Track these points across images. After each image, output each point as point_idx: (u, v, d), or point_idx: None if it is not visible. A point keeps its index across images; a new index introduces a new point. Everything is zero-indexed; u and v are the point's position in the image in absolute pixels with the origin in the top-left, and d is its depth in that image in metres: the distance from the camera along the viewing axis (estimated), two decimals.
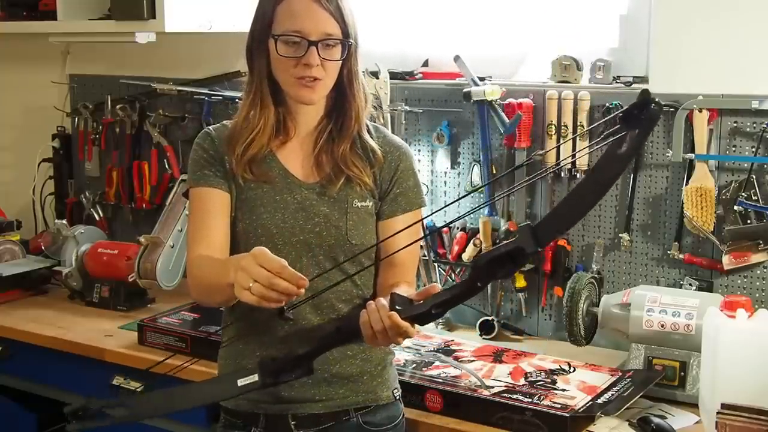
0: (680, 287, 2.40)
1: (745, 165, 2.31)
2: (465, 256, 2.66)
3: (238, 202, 1.92)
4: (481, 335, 2.60)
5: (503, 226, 2.61)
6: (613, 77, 2.49)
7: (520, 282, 2.61)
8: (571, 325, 2.31)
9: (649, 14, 2.45)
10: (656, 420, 2.01)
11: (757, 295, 2.34)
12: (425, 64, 2.81)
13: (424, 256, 2.68)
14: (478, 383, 2.14)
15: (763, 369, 1.90)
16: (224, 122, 2.00)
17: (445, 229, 2.71)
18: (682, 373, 2.15)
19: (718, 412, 1.82)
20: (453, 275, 2.73)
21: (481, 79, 2.61)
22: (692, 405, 2.10)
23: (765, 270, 2.34)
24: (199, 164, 1.94)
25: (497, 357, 2.34)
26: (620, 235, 2.48)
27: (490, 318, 2.62)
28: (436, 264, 2.72)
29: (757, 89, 2.28)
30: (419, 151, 2.76)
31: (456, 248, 2.68)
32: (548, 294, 2.62)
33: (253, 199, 1.91)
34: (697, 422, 2.04)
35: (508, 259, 1.55)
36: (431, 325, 2.68)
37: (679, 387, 2.15)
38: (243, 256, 1.68)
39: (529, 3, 2.68)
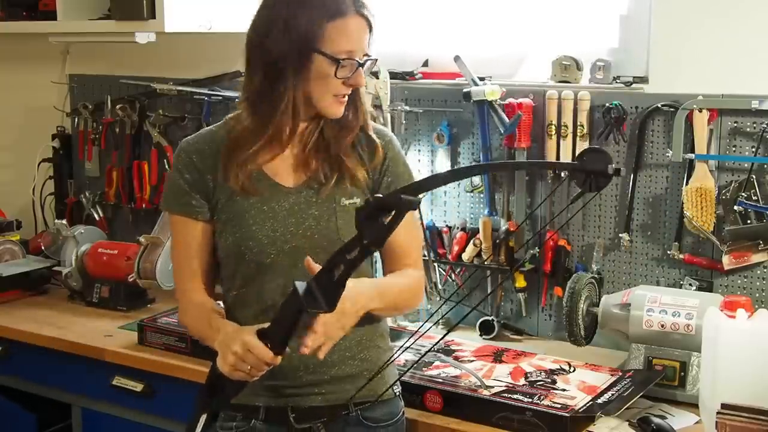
0: (680, 287, 2.40)
1: (745, 165, 2.31)
2: (465, 256, 2.66)
3: (224, 215, 1.90)
4: (481, 335, 2.60)
5: (503, 226, 2.61)
6: (613, 77, 2.49)
7: (520, 282, 2.61)
8: (571, 325, 2.31)
9: (649, 14, 2.45)
10: (656, 420, 2.01)
11: (757, 295, 2.34)
12: (425, 64, 2.81)
13: (425, 256, 2.67)
14: (478, 383, 2.14)
15: (763, 369, 1.90)
16: (202, 132, 1.97)
17: (445, 229, 2.72)
18: (682, 373, 2.15)
19: (718, 412, 1.82)
20: (453, 275, 2.74)
21: (481, 79, 2.61)
22: (692, 405, 2.10)
23: (765, 270, 2.34)
24: (178, 192, 1.92)
25: (497, 357, 2.34)
26: (620, 235, 2.48)
27: (490, 318, 2.62)
28: (436, 264, 2.72)
29: (757, 89, 2.28)
30: (419, 151, 2.76)
31: (456, 248, 2.68)
32: (548, 294, 2.62)
33: (241, 212, 1.89)
34: (697, 422, 2.04)
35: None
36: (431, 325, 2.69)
37: (679, 387, 2.15)
38: (233, 336, 1.74)
39: (529, 3, 2.68)
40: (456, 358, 2.32)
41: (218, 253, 1.94)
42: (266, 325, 1.74)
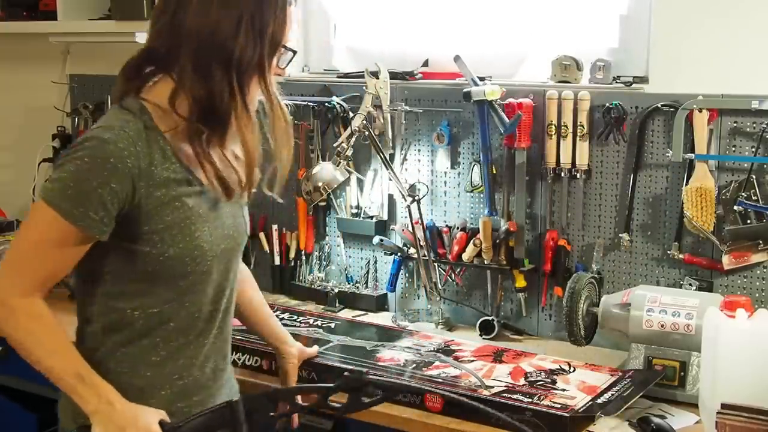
0: (680, 287, 2.40)
1: (745, 165, 2.32)
2: (465, 256, 2.66)
3: (161, 225, 1.67)
4: (481, 335, 2.60)
5: (503, 226, 2.61)
6: (613, 77, 2.49)
7: (520, 282, 2.61)
8: (571, 325, 2.31)
9: (649, 14, 2.45)
10: (656, 420, 2.01)
11: (757, 295, 2.34)
12: (425, 64, 2.81)
13: (424, 256, 2.68)
14: (478, 383, 2.14)
15: (763, 369, 1.90)
16: (120, 127, 1.64)
17: (445, 229, 2.72)
18: (682, 373, 2.15)
19: (718, 412, 1.82)
20: (453, 275, 2.73)
21: (481, 79, 2.61)
22: (692, 405, 2.10)
23: (765, 270, 2.34)
24: (93, 202, 1.60)
25: (497, 357, 2.34)
26: (620, 235, 2.48)
27: (490, 318, 2.62)
28: (436, 264, 2.72)
29: (757, 89, 2.28)
30: (419, 151, 2.76)
31: (456, 248, 2.68)
32: (548, 294, 2.62)
33: (181, 218, 1.69)
34: (697, 422, 2.04)
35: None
36: (431, 325, 2.69)
37: (679, 387, 2.15)
38: (131, 421, 1.62)
39: (529, 3, 2.68)
40: (456, 358, 2.32)
41: (132, 269, 1.70)
42: (163, 412, 1.66)
